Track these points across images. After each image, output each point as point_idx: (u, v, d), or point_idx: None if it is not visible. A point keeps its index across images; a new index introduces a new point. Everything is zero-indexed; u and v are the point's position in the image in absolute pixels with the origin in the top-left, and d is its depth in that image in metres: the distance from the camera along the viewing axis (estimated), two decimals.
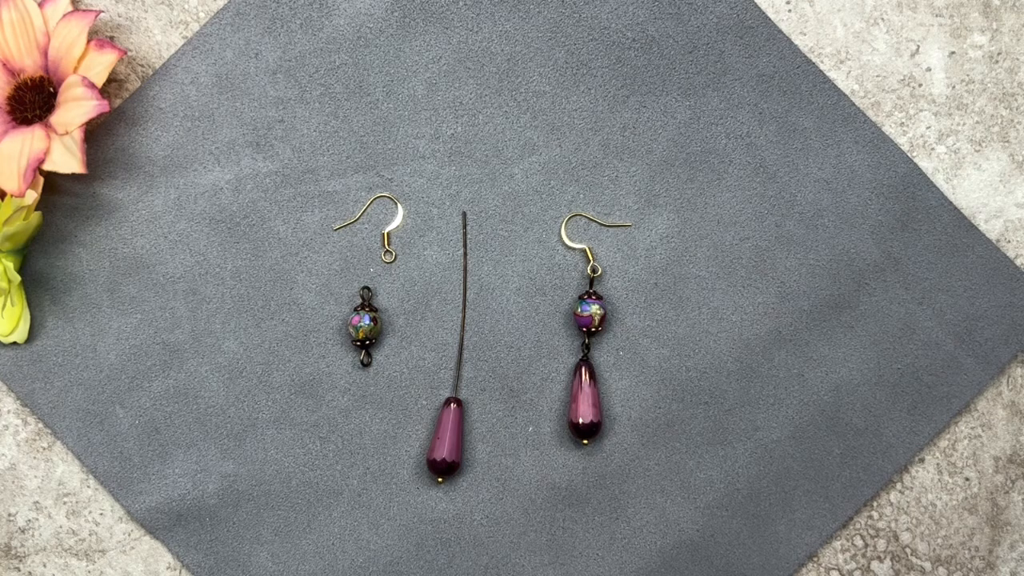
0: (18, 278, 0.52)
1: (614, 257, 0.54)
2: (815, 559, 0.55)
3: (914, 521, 0.55)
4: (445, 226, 0.54)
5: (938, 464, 0.55)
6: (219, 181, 0.54)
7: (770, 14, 0.55)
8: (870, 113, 0.55)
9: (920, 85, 0.55)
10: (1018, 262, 0.55)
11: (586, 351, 0.54)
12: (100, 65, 0.50)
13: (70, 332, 0.54)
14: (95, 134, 0.54)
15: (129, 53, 0.54)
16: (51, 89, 0.52)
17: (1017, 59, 0.55)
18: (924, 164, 0.55)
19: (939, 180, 0.55)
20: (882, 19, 0.55)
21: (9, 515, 0.54)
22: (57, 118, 0.50)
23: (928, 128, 0.55)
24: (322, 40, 0.54)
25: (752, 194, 0.54)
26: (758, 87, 0.54)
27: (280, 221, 0.54)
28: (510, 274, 0.54)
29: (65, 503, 0.54)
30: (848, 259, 0.54)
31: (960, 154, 0.55)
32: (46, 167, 0.49)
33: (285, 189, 0.54)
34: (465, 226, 0.54)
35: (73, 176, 0.53)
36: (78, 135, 0.49)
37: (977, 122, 0.55)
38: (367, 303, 0.53)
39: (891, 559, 0.55)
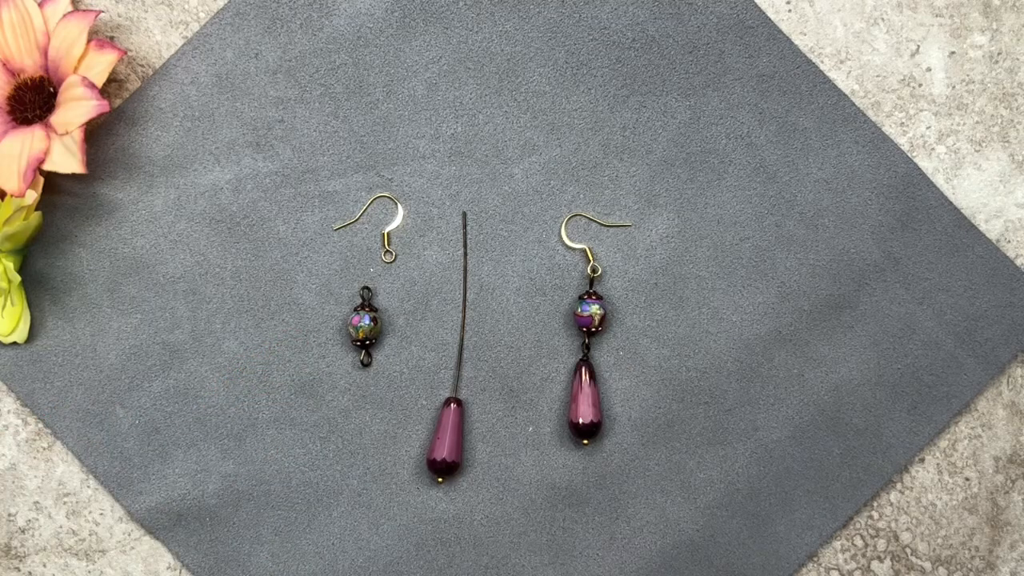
0: (18, 278, 0.52)
1: (614, 257, 0.54)
2: (815, 559, 0.55)
3: (914, 521, 0.55)
4: (445, 226, 0.54)
5: (938, 464, 0.55)
6: (219, 181, 0.54)
7: (770, 14, 0.55)
8: (870, 113, 0.55)
9: (920, 85, 0.55)
10: (1018, 262, 0.55)
11: (586, 351, 0.54)
12: (100, 65, 0.50)
13: (70, 332, 0.54)
14: (95, 134, 0.54)
15: (129, 53, 0.54)
16: (51, 89, 0.52)
17: (1017, 59, 0.55)
18: (924, 164, 0.55)
19: (939, 180, 0.55)
20: (882, 19, 0.55)
21: (9, 515, 0.54)
22: (57, 118, 0.50)
23: (928, 128, 0.55)
24: (322, 40, 0.54)
25: (752, 194, 0.54)
26: (758, 87, 0.54)
27: (280, 221, 0.54)
28: (510, 274, 0.54)
29: (65, 503, 0.54)
30: (848, 259, 0.54)
31: (960, 154, 0.55)
32: (46, 167, 0.49)
33: (285, 189, 0.54)
34: (465, 226, 0.54)
35: (73, 176, 0.53)
36: (78, 135, 0.49)
37: (977, 122, 0.55)
38: (367, 303, 0.53)
39: (891, 559, 0.55)
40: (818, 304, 0.54)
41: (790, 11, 0.55)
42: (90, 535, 0.54)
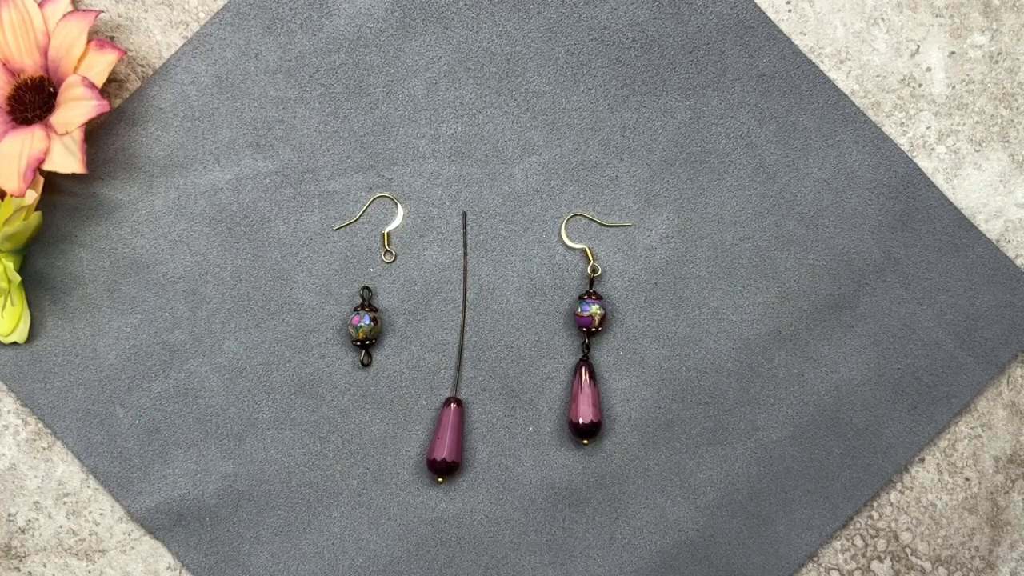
0: (18, 278, 0.52)
1: (614, 257, 0.54)
2: (815, 559, 0.55)
3: (914, 521, 0.55)
4: (445, 226, 0.54)
5: (938, 464, 0.55)
6: (219, 181, 0.54)
7: (770, 14, 0.55)
8: (870, 113, 0.55)
9: (920, 85, 0.55)
10: (1018, 262, 0.55)
11: (586, 351, 0.54)
12: (100, 65, 0.50)
13: (70, 332, 0.54)
14: (95, 134, 0.54)
15: (129, 53, 0.54)
16: (51, 89, 0.52)
17: (1017, 59, 0.55)
18: (924, 164, 0.55)
19: (939, 180, 0.55)
20: (882, 19, 0.55)
21: (9, 515, 0.54)
22: (57, 118, 0.50)
23: (928, 128, 0.55)
24: (322, 40, 0.54)
25: (752, 194, 0.54)
26: (758, 87, 0.54)
27: (280, 221, 0.54)
28: (510, 274, 0.54)
29: (65, 503, 0.54)
30: (848, 259, 0.54)
31: (960, 154, 0.55)
32: (46, 167, 0.49)
33: (285, 189, 0.54)
34: (465, 226, 0.54)
35: (73, 176, 0.53)
36: (78, 135, 0.49)
37: (977, 122, 0.55)
38: (367, 303, 0.53)
39: (891, 559, 0.55)
40: (818, 304, 0.54)
41: (790, 11, 0.55)
42: (90, 535, 0.54)
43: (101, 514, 0.54)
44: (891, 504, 0.55)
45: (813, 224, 0.54)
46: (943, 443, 0.55)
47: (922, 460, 0.55)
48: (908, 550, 0.55)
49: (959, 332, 0.54)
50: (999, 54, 0.55)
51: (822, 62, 0.55)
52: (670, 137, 0.54)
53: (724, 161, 0.54)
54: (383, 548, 0.54)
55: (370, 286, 0.54)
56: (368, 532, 0.54)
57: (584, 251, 0.54)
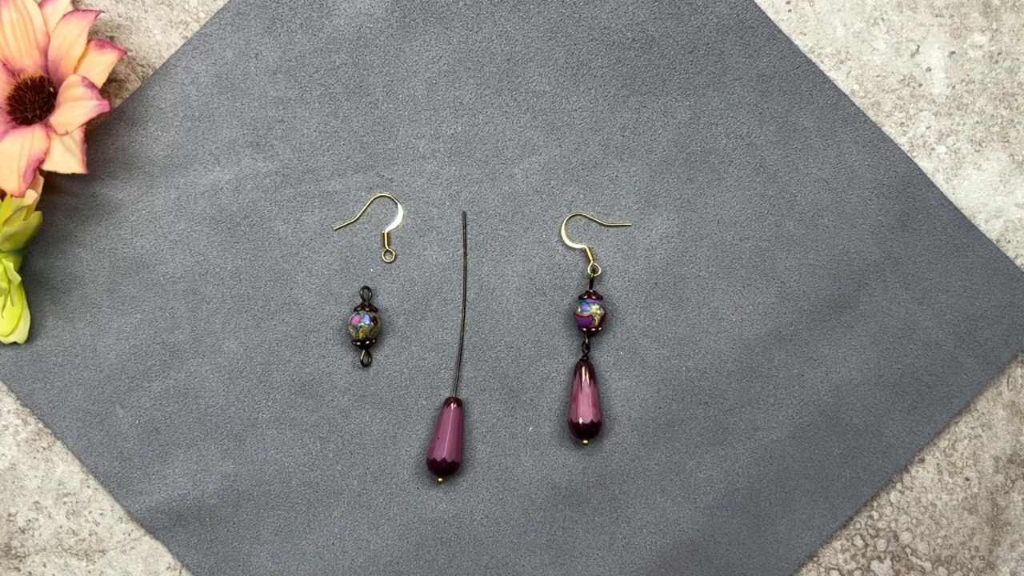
0: (18, 278, 0.52)
1: (614, 257, 0.54)
2: (815, 559, 0.55)
3: (914, 521, 0.55)
4: (445, 226, 0.54)
5: (938, 464, 0.55)
6: (219, 181, 0.54)
7: (770, 14, 0.55)
8: (870, 113, 0.55)
9: (920, 85, 0.55)
10: (1018, 262, 0.55)
11: (586, 351, 0.54)
12: (100, 65, 0.50)
13: (70, 332, 0.54)
14: (95, 134, 0.54)
15: (129, 53, 0.54)
16: (51, 89, 0.52)
17: (1017, 59, 0.55)
18: (924, 164, 0.55)
19: (939, 180, 0.55)
20: (882, 19, 0.55)
21: (9, 515, 0.54)
22: (57, 118, 0.50)
23: (928, 128, 0.55)
24: (322, 40, 0.54)
25: (752, 194, 0.54)
26: (758, 87, 0.54)
27: (280, 221, 0.54)
28: (510, 274, 0.54)
29: (65, 503, 0.54)
30: (848, 259, 0.54)
31: (960, 154, 0.55)
32: (46, 167, 0.49)
33: (285, 189, 0.54)
34: (465, 226, 0.54)
35: (73, 176, 0.53)
36: (78, 135, 0.49)
37: (977, 122, 0.55)
38: (367, 303, 0.53)
39: (891, 559, 0.55)
40: (818, 304, 0.54)
41: (790, 11, 0.55)
42: (90, 535, 0.54)
43: (101, 514, 0.54)
44: (891, 504, 0.55)
45: (813, 224, 0.54)
46: (943, 443, 0.55)
47: (922, 460, 0.55)
48: (908, 550, 0.55)
49: (959, 332, 0.54)
50: (999, 54, 0.55)
51: (822, 62, 0.55)
52: (670, 137, 0.54)
53: (724, 161, 0.54)
54: (383, 548, 0.54)
55: (370, 286, 0.54)
56: (368, 532, 0.54)
57: (584, 251, 0.54)
